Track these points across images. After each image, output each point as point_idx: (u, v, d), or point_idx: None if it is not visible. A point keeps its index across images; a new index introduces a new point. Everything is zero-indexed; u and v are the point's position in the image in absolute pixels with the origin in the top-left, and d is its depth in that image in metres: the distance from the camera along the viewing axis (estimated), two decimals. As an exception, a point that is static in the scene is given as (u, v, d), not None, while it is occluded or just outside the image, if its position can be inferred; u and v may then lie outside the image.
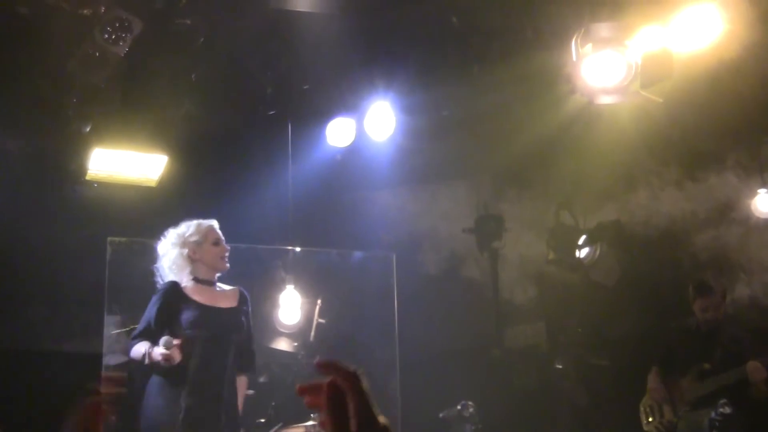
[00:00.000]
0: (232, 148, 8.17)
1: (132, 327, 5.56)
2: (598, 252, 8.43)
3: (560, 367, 8.77)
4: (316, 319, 8.29)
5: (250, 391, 7.19)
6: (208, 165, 8.16)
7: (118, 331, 7.01)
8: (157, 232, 5.60)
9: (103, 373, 5.16)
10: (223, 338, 5.39)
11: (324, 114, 7.73)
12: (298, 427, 6.60)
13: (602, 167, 7.65)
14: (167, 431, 5.12)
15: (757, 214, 7.47)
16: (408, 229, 8.42)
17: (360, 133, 7.65)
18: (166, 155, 7.56)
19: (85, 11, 6.09)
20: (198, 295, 5.45)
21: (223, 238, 5.59)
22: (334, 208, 8.77)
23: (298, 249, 8.50)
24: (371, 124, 7.50)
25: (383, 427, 1.26)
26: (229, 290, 5.62)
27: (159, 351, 5.09)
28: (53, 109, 7.10)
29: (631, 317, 8.28)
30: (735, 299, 7.08)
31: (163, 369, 5.16)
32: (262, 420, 7.20)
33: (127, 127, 7.23)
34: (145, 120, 7.24)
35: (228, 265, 5.57)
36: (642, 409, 6.96)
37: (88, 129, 7.31)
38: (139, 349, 5.25)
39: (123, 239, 7.61)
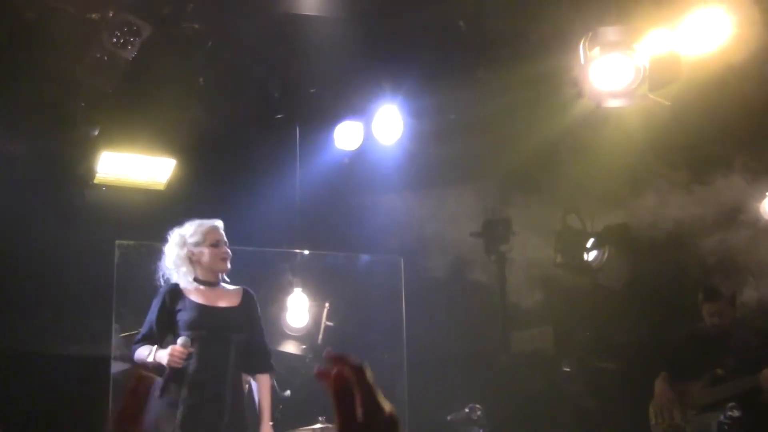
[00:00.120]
0: (240, 151, 8.18)
1: (139, 330, 5.55)
2: (605, 255, 8.42)
3: (567, 370, 8.76)
4: (324, 322, 8.30)
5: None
6: (215, 168, 8.18)
7: (126, 334, 7.02)
8: (165, 236, 5.60)
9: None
10: (222, 338, 5.32)
11: (331, 117, 7.74)
12: (306, 429, 6.60)
13: (609, 170, 7.63)
14: (170, 430, 5.09)
15: (765, 217, 7.44)
16: (415, 232, 8.41)
17: (367, 136, 7.66)
18: (174, 159, 7.59)
19: (93, 15, 6.11)
20: (198, 295, 5.41)
21: (224, 239, 5.52)
22: (341, 211, 8.77)
23: (305, 252, 8.52)
24: (379, 128, 7.51)
25: (389, 414, 1.31)
26: (233, 290, 5.56)
27: (166, 351, 5.09)
28: (61, 113, 7.13)
29: (638, 321, 8.27)
30: (743, 303, 7.06)
31: (165, 371, 5.14)
32: (270, 423, 7.19)
33: (135, 130, 7.26)
34: (153, 124, 7.26)
35: (228, 266, 5.50)
36: (651, 410, 6.95)
37: (96, 133, 7.35)
38: (143, 351, 5.24)
39: (131, 242, 7.64)
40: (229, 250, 5.51)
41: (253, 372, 5.65)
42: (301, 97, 7.56)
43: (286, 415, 7.32)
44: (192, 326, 5.24)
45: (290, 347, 8.22)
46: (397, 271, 8.79)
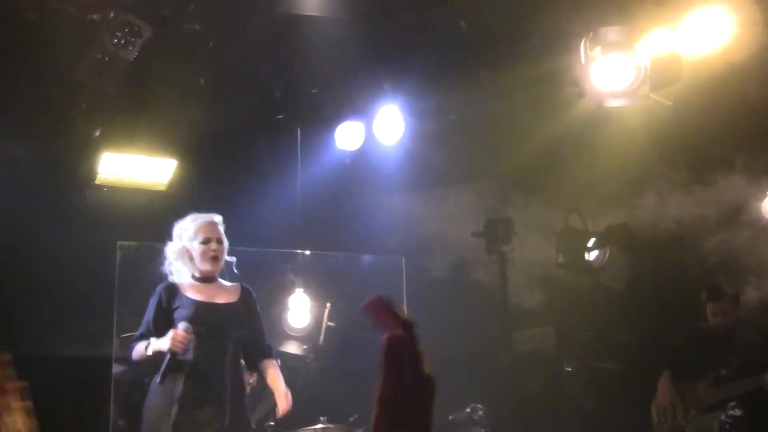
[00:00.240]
0: (241, 152, 8.18)
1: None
2: (607, 255, 8.42)
3: (569, 370, 8.76)
4: (326, 322, 8.30)
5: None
6: (217, 169, 8.18)
7: (128, 334, 7.03)
8: (167, 236, 5.57)
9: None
10: (220, 334, 5.20)
11: (333, 118, 7.74)
12: (307, 430, 6.59)
13: (611, 170, 7.63)
14: (167, 428, 5.01)
15: (766, 216, 7.44)
16: (416, 232, 8.41)
17: (369, 136, 7.66)
18: (175, 159, 7.59)
19: (94, 16, 6.10)
20: (194, 291, 5.31)
21: (218, 235, 5.35)
22: (343, 211, 8.78)
23: (307, 252, 8.52)
24: (380, 128, 7.51)
25: (428, 376, 1.55)
26: (230, 286, 5.46)
27: (168, 336, 4.96)
28: (62, 114, 7.13)
29: (639, 321, 8.27)
30: (745, 302, 7.06)
31: (166, 358, 5.02)
32: (271, 423, 7.19)
33: (136, 131, 7.26)
34: (154, 124, 7.27)
35: (215, 267, 5.35)
36: (654, 409, 6.94)
37: (97, 134, 7.35)
38: (140, 347, 5.13)
39: (132, 243, 7.63)
40: (221, 248, 5.35)
41: (256, 362, 5.49)
42: (302, 98, 7.56)
43: (287, 415, 7.31)
44: (190, 323, 5.07)
45: (292, 348, 8.22)
46: (399, 272, 8.79)
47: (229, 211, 5.60)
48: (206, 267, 5.32)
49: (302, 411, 7.23)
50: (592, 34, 5.68)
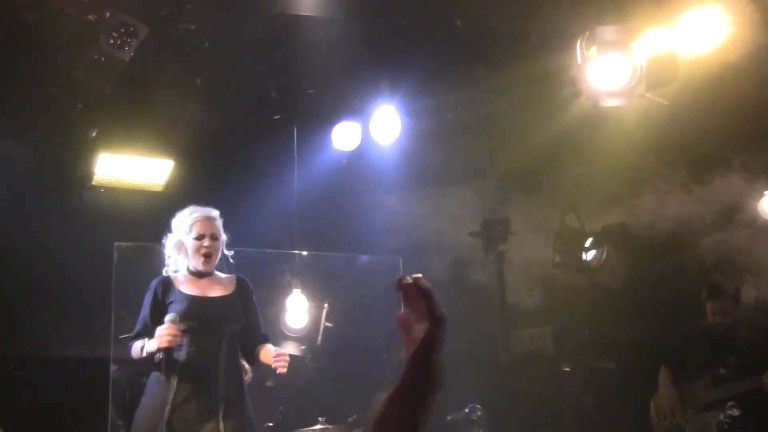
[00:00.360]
0: (238, 152, 8.18)
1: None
2: (604, 255, 8.42)
3: (567, 370, 8.76)
4: (323, 322, 8.30)
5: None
6: (214, 169, 8.18)
7: (125, 336, 7.01)
8: (164, 237, 5.56)
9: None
10: (214, 328, 5.17)
11: (329, 118, 7.74)
12: (306, 430, 6.60)
13: (608, 170, 7.63)
14: (160, 426, 4.98)
15: (763, 216, 7.45)
16: (414, 232, 8.41)
17: (365, 136, 7.66)
18: (172, 160, 7.58)
19: (91, 17, 6.10)
20: (188, 286, 5.28)
21: (212, 231, 5.30)
22: (340, 211, 8.77)
23: (304, 253, 8.51)
24: (377, 128, 7.51)
25: (441, 315, 1.80)
26: (226, 278, 5.42)
27: (155, 337, 4.92)
28: (59, 114, 7.12)
29: (637, 320, 8.27)
30: (742, 302, 7.06)
31: (159, 361, 4.96)
32: (270, 424, 7.20)
33: (133, 132, 7.25)
34: (151, 125, 7.26)
35: (207, 265, 5.29)
36: (652, 408, 6.94)
37: (94, 134, 7.34)
38: (137, 347, 5.10)
39: (130, 244, 7.62)
40: (216, 244, 5.31)
41: (252, 349, 5.42)
42: (299, 98, 7.56)
43: (287, 415, 7.32)
44: (183, 318, 5.04)
45: (289, 348, 8.21)
46: (396, 272, 8.77)
47: (226, 211, 5.58)
48: (198, 265, 5.30)
49: (301, 412, 7.25)
50: (588, 33, 5.68)
